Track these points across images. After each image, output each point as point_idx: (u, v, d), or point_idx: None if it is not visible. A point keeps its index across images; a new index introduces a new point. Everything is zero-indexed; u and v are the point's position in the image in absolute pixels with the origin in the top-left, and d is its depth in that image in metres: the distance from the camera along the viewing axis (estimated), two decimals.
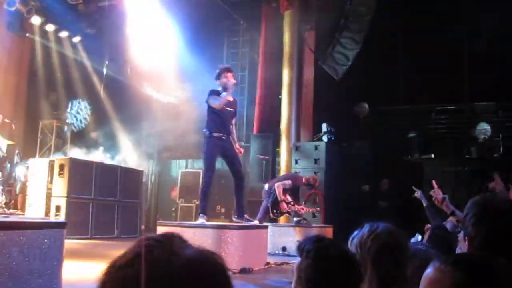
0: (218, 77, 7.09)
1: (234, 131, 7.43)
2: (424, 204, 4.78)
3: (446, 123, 12.86)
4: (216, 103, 6.92)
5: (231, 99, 7.19)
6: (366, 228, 2.12)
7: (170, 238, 0.89)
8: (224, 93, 6.96)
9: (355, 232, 2.17)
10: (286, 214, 9.49)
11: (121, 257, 0.86)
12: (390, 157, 12.10)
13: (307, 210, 9.53)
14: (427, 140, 12.32)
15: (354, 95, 12.80)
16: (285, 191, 9.05)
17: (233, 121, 7.37)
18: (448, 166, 11.41)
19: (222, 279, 0.88)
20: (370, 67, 12.36)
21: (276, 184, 9.00)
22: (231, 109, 7.21)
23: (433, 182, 4.51)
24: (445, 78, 12.14)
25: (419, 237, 4.63)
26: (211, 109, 7.01)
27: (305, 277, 1.70)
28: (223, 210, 12.58)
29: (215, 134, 6.99)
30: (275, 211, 9.10)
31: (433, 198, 4.17)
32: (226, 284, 0.89)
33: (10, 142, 10.96)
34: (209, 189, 7.04)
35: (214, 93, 7.03)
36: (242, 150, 7.37)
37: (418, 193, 4.94)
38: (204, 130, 7.07)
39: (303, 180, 9.32)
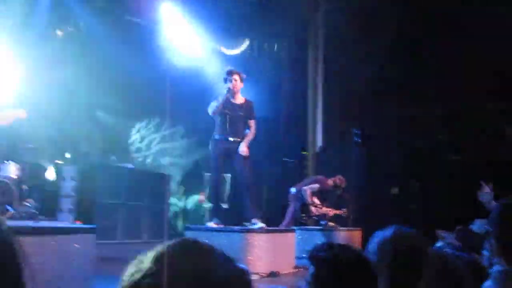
0: (225, 80, 7.06)
1: (251, 133, 7.16)
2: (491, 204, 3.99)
3: (477, 124, 12.64)
4: (209, 110, 6.99)
5: (239, 101, 7.12)
6: (389, 232, 2.09)
7: (194, 249, 0.88)
8: (219, 98, 6.96)
9: (378, 233, 2.14)
10: (314, 218, 9.45)
11: (138, 269, 0.85)
12: (421, 158, 11.96)
13: (335, 212, 9.48)
14: (458, 141, 12.15)
15: (383, 96, 12.68)
16: (313, 194, 9.02)
17: (251, 123, 7.14)
18: (478, 167, 11.23)
19: None
20: (396, 69, 12.23)
21: (304, 188, 8.97)
22: (240, 113, 7.07)
23: (482, 182, 4.35)
24: (474, 78, 11.93)
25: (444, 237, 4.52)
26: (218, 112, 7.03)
27: (321, 286, 1.68)
28: None
29: (218, 137, 7.01)
30: (304, 215, 9.07)
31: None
32: None
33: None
34: (216, 192, 7.07)
35: (216, 97, 7.06)
36: (245, 150, 6.99)
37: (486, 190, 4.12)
38: (213, 133, 7.12)
39: (330, 182, 9.28)
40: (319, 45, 12.45)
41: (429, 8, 12.01)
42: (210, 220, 6.94)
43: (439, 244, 3.68)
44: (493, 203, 3.81)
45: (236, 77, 7.01)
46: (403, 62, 12.16)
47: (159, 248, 0.87)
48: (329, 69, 12.85)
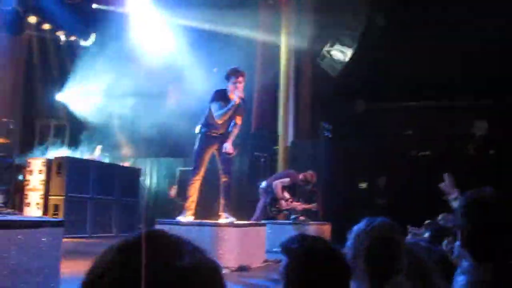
0: (227, 78, 6.78)
1: (235, 130, 7.01)
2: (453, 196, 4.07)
3: (443, 120, 12.87)
4: (218, 114, 6.67)
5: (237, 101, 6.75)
6: (362, 223, 2.11)
7: (161, 239, 0.85)
8: (231, 103, 6.64)
9: (355, 227, 2.16)
10: (285, 212, 9.50)
11: (104, 261, 0.82)
12: (388, 154, 12.13)
13: (305, 207, 9.54)
14: (424, 137, 12.35)
15: (352, 92, 12.81)
16: (283, 188, 9.07)
17: (238, 119, 6.95)
18: (444, 163, 11.44)
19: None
20: (367, 64, 12.36)
21: (274, 183, 9.01)
22: (233, 112, 6.87)
23: (446, 175, 4.41)
24: (442, 74, 12.11)
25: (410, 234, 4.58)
26: (209, 111, 6.79)
27: (295, 278, 1.68)
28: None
29: (210, 133, 6.82)
30: (273, 209, 9.12)
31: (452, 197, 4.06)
32: None
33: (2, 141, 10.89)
34: (195, 186, 6.84)
35: (220, 97, 6.74)
36: (231, 148, 6.84)
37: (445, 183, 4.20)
38: (199, 125, 6.88)
39: (300, 176, 9.34)
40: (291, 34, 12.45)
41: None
42: (181, 214, 6.84)
43: (409, 238, 3.74)
44: (455, 195, 3.88)
45: (240, 79, 6.73)
46: (373, 54, 12.29)
47: (122, 240, 0.85)
48: (300, 61, 12.93)
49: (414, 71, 12.31)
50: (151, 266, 0.77)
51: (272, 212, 9.16)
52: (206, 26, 12.98)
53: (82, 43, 14.06)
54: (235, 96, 6.66)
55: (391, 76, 12.91)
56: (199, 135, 6.87)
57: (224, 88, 6.87)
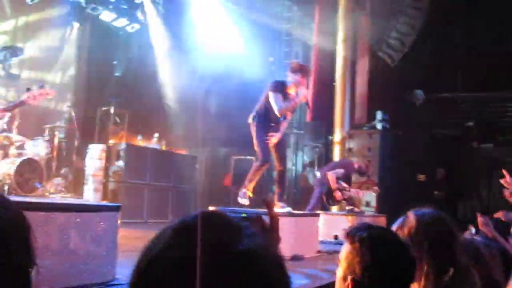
0: (294, 72, 6.65)
1: (285, 124, 7.03)
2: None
3: (507, 111, 12.40)
4: (277, 106, 6.53)
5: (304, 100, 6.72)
6: (413, 220, 2.06)
7: (220, 220, 0.83)
8: (297, 97, 6.56)
9: (399, 221, 2.12)
10: (342, 202, 9.38)
11: (161, 241, 0.81)
12: (447, 146, 11.80)
13: (364, 192, 9.40)
14: (486, 128, 11.94)
15: (410, 82, 12.52)
16: (338, 179, 8.97)
17: (288, 115, 6.96)
18: (508, 156, 11.02)
19: (277, 276, 0.81)
20: (427, 54, 12.05)
21: (328, 174, 8.92)
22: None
23: (504, 171, 4.32)
24: (505, 64, 11.65)
25: (473, 229, 4.45)
26: (267, 102, 6.65)
27: (357, 265, 1.66)
28: None
29: (265, 121, 6.69)
30: (330, 200, 9.04)
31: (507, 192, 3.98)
32: (282, 282, 0.82)
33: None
34: (260, 172, 6.81)
35: (280, 89, 6.62)
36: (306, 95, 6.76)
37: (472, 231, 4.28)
38: (254, 114, 6.79)
39: (355, 166, 9.21)
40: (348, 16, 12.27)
41: None
42: (242, 197, 6.77)
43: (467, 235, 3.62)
44: None
45: (305, 78, 6.70)
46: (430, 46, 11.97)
47: (178, 221, 0.83)
48: (356, 50, 12.73)
49: (476, 60, 11.90)
50: (209, 248, 0.75)
51: (329, 203, 9.08)
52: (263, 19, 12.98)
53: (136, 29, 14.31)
54: (300, 93, 6.58)
55: (451, 66, 12.53)
56: (256, 123, 6.75)
57: (283, 80, 6.79)
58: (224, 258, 0.75)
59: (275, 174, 7.17)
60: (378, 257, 1.65)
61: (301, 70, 6.69)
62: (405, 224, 2.07)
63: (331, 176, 8.82)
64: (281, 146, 6.91)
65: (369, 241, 1.68)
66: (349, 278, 1.68)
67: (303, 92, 6.61)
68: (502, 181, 4.30)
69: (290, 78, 6.70)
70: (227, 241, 0.78)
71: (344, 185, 9.05)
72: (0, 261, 0.85)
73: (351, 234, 1.74)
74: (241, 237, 0.79)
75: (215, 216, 0.84)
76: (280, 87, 6.67)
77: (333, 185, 8.84)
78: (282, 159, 6.97)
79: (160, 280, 0.76)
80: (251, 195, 6.73)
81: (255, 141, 6.85)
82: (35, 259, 0.91)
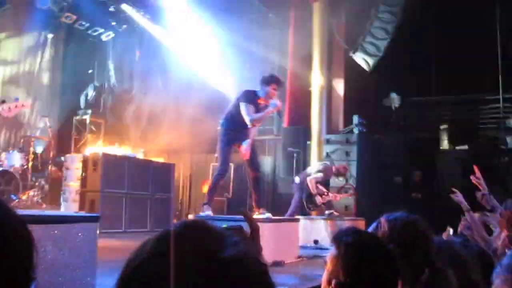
0: (266, 82, 6.66)
1: (255, 132, 7.06)
2: (465, 209, 4.18)
3: (480, 113, 12.60)
4: (248, 118, 6.52)
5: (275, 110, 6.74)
6: (385, 225, 2.08)
7: (203, 229, 0.82)
8: (269, 108, 6.56)
9: (372, 226, 2.14)
10: (322, 206, 9.40)
11: (144, 251, 0.80)
12: (423, 148, 11.95)
13: (342, 196, 9.46)
14: (461, 131, 12.11)
15: (386, 87, 12.65)
16: (317, 183, 9.02)
17: (259, 124, 7.00)
18: (482, 157, 11.19)
19: (263, 283, 0.81)
20: (401, 58, 12.19)
21: (308, 179, 8.95)
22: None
23: (475, 168, 4.40)
24: (479, 67, 11.85)
25: (451, 230, 4.52)
26: (237, 110, 6.65)
27: (343, 269, 1.67)
28: None
29: (233, 128, 6.72)
30: (310, 205, 9.07)
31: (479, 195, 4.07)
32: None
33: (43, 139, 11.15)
34: (220, 182, 6.91)
35: (251, 98, 6.62)
36: (247, 151, 6.77)
37: (458, 197, 4.35)
38: (221, 121, 6.79)
39: (333, 170, 9.28)
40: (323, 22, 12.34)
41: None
42: (204, 210, 6.72)
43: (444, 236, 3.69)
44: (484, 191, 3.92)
45: (278, 89, 6.74)
46: (408, 47, 12.12)
47: (163, 230, 0.83)
48: (332, 56, 12.83)
49: (450, 64, 12.09)
50: (193, 257, 0.75)
51: (309, 208, 9.12)
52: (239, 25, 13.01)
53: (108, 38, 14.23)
54: (273, 104, 6.58)
55: (426, 70, 12.71)
56: (223, 131, 6.78)
57: (254, 90, 6.77)
58: (209, 267, 0.74)
59: (249, 181, 7.16)
60: (362, 263, 1.66)
61: (273, 81, 6.71)
62: (378, 229, 2.09)
63: (311, 181, 8.86)
64: (252, 153, 6.87)
65: (353, 247, 1.69)
66: (333, 282, 1.69)
67: (275, 103, 6.62)
68: (471, 177, 4.39)
69: (262, 89, 6.72)
70: (212, 249, 0.77)
71: (323, 189, 9.10)
72: (5, 274, 0.82)
73: (337, 239, 1.75)
74: (225, 245, 0.79)
75: (198, 224, 0.84)
76: (252, 98, 6.66)
77: (314, 190, 8.88)
78: (255, 165, 6.96)
79: None
80: (211, 213, 6.66)
81: (217, 148, 6.86)
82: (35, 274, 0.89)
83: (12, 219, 0.88)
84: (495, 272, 1.73)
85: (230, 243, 0.80)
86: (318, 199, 8.95)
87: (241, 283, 0.76)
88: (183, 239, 0.78)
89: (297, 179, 9.34)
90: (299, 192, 9.10)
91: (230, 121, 6.77)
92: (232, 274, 0.75)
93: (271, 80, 6.72)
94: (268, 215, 6.71)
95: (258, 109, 6.67)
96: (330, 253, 1.76)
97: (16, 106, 6.48)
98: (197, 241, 0.78)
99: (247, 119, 6.56)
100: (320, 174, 9.03)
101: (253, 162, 6.93)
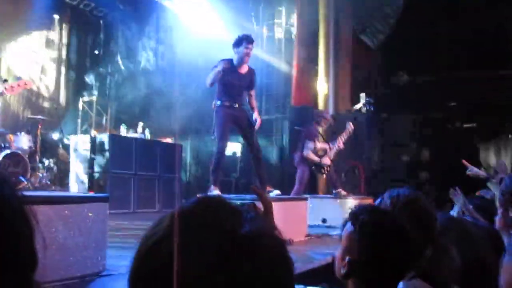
0: (236, 45, 6.66)
1: (254, 102, 7.02)
2: (484, 178, 4.30)
3: (489, 91, 12.50)
4: (207, 80, 6.56)
5: (244, 70, 6.75)
6: (387, 201, 2.07)
7: (221, 205, 0.81)
8: (217, 68, 6.52)
9: (376, 203, 2.13)
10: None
11: (160, 228, 0.78)
12: (431, 126, 11.90)
13: (342, 139, 9.16)
14: (469, 109, 12.04)
15: (393, 65, 12.56)
16: (314, 150, 8.88)
17: (252, 92, 6.95)
18: (491, 135, 11.14)
19: (281, 258, 0.80)
20: (409, 35, 12.08)
21: (305, 154, 8.78)
22: (244, 83, 6.79)
23: (464, 162, 4.42)
24: (488, 45, 11.73)
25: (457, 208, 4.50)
26: (220, 80, 6.62)
27: (356, 248, 1.67)
28: None
29: (226, 103, 6.67)
30: (321, 170, 8.96)
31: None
32: (285, 263, 0.80)
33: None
34: (222, 160, 6.83)
35: (219, 63, 6.57)
36: (260, 120, 6.90)
37: (472, 170, 4.44)
38: (214, 100, 6.76)
39: (315, 126, 9.02)
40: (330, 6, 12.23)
41: None
42: (211, 189, 6.69)
43: (456, 208, 3.68)
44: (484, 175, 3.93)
45: (251, 46, 6.67)
46: (415, 25, 11.98)
47: (180, 206, 0.81)
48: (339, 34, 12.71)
49: (457, 41, 11.97)
50: (212, 233, 0.74)
51: (322, 172, 9.01)
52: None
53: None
54: (239, 54, 6.59)
55: (433, 47, 12.58)
56: (216, 108, 6.74)
57: (229, 58, 6.70)
58: (228, 243, 0.74)
59: (252, 162, 7.15)
60: (376, 243, 1.65)
61: (243, 40, 6.67)
62: (381, 205, 2.08)
63: (308, 155, 8.74)
64: (248, 133, 6.88)
65: (369, 226, 1.68)
66: (347, 258, 1.68)
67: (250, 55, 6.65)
68: (468, 173, 4.40)
69: (236, 53, 6.69)
70: (230, 225, 0.76)
71: (324, 145, 8.94)
72: (6, 261, 0.81)
73: (354, 215, 1.75)
74: (243, 222, 0.78)
75: (214, 201, 0.83)
76: (219, 63, 6.59)
77: (316, 160, 8.79)
78: (252, 145, 6.92)
79: (162, 267, 0.74)
80: (218, 192, 6.61)
81: (214, 126, 6.82)
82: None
83: (14, 198, 0.87)
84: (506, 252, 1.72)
85: (247, 219, 0.79)
86: (325, 161, 8.84)
87: (260, 259, 0.75)
88: (200, 215, 0.77)
89: (296, 156, 9.16)
90: (301, 167, 8.94)
91: (220, 93, 6.72)
92: (252, 250, 0.74)
93: (241, 40, 6.68)
94: (276, 192, 6.71)
95: (234, 76, 6.65)
96: (345, 229, 1.75)
97: (18, 85, 6.49)
98: (214, 218, 0.77)
99: (207, 82, 6.58)
100: (310, 143, 8.82)
101: (249, 143, 6.92)
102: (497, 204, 3.52)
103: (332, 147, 8.96)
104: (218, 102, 6.72)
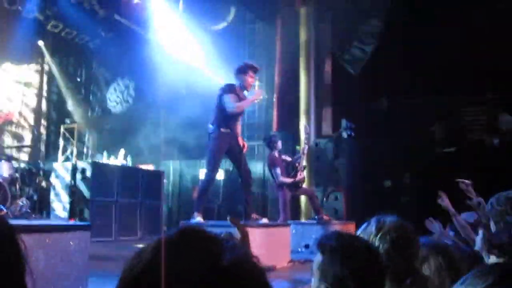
0: (241, 72, 6.64)
1: (239, 127, 7.06)
2: (452, 214, 4.34)
3: (468, 115, 12.69)
4: (231, 106, 6.42)
5: (243, 98, 6.71)
6: (373, 225, 2.09)
7: (200, 236, 0.82)
8: (248, 96, 6.57)
9: (362, 227, 2.15)
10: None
11: (141, 260, 0.79)
12: (412, 151, 12.00)
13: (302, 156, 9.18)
14: (450, 133, 12.19)
15: (374, 90, 12.71)
16: (287, 173, 8.93)
17: (239, 118, 6.98)
18: (472, 159, 11.27)
19: (261, 286, 0.82)
20: (389, 60, 12.25)
21: (279, 182, 8.79)
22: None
23: (459, 181, 4.46)
24: (467, 69, 11.91)
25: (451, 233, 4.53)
26: (221, 106, 6.53)
27: (329, 275, 1.67)
28: None
29: (225, 130, 6.56)
30: (297, 191, 9.00)
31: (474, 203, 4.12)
32: None
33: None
34: (209, 189, 6.74)
35: (231, 89, 6.54)
36: (246, 145, 6.90)
37: (444, 200, 4.49)
38: (210, 125, 6.63)
39: (272, 153, 8.99)
40: (310, 27, 12.39)
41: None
42: (195, 216, 6.53)
43: (435, 235, 3.71)
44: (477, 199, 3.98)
45: (255, 75, 6.70)
46: (394, 50, 12.16)
47: (159, 237, 0.82)
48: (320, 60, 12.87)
49: (436, 65, 12.15)
50: (194, 264, 0.75)
51: (297, 192, 9.06)
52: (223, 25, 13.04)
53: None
54: (252, 92, 6.64)
55: (413, 72, 12.76)
56: (215, 133, 6.58)
57: (232, 83, 6.71)
58: (211, 273, 0.75)
59: (242, 187, 7.09)
60: (348, 266, 1.64)
61: (248, 69, 6.69)
62: (366, 230, 2.09)
63: (282, 181, 8.76)
64: (238, 159, 6.79)
65: (339, 251, 1.68)
66: (323, 286, 1.69)
67: (255, 92, 6.67)
68: (462, 188, 4.44)
69: (239, 80, 6.69)
70: (212, 255, 0.77)
71: (287, 158, 9.04)
72: None
73: (321, 244, 1.74)
74: (223, 250, 0.79)
75: (195, 231, 0.84)
76: (232, 89, 6.59)
77: (290, 181, 8.82)
78: (243, 170, 6.85)
79: None
80: (201, 219, 6.48)
81: (208, 153, 6.74)
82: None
83: (3, 227, 0.88)
84: None
85: (228, 247, 0.80)
86: (299, 177, 8.86)
87: (242, 287, 0.76)
88: (181, 246, 0.78)
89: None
90: (280, 193, 8.94)
91: (220, 120, 6.60)
92: (234, 279, 0.76)
93: (246, 68, 6.68)
94: (264, 220, 6.73)
95: (240, 100, 6.60)
96: (315, 259, 1.75)
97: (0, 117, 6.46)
98: (196, 248, 0.78)
99: (230, 108, 6.45)
100: (277, 169, 8.80)
101: (240, 167, 6.83)
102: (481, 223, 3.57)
103: (299, 163, 9.01)
104: (217, 128, 6.59)
